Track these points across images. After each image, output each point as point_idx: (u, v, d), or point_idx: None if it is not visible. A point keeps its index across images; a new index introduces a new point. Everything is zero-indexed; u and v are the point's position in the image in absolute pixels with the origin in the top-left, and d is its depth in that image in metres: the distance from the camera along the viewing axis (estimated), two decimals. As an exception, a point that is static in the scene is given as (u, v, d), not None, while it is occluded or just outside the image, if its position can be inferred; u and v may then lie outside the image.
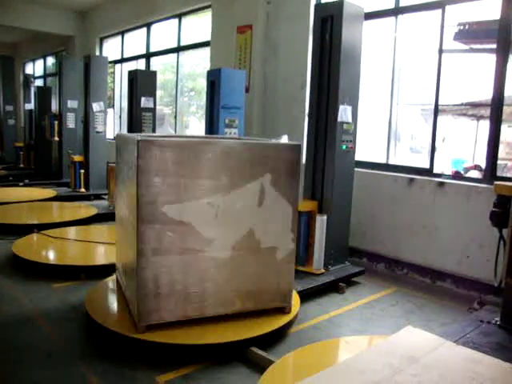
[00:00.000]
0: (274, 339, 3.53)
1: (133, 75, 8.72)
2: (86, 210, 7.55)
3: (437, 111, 5.26)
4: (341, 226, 5.08)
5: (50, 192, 9.00)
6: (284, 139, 4.40)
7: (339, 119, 4.82)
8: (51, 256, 5.39)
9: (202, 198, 3.34)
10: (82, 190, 9.36)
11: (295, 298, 4.07)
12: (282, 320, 3.66)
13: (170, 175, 3.23)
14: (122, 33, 11.74)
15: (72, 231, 6.28)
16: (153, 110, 8.82)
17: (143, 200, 3.18)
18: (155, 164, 3.18)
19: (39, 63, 16.78)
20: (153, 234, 3.22)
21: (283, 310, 3.77)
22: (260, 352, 3.25)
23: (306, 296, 4.37)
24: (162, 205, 3.23)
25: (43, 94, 12.55)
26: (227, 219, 3.45)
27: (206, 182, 3.35)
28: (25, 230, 6.07)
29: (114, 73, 12.25)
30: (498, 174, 4.93)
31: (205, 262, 3.41)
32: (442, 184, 5.07)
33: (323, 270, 4.85)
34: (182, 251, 3.33)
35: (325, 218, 4.80)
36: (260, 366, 3.13)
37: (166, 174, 3.22)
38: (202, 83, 9.24)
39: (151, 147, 3.17)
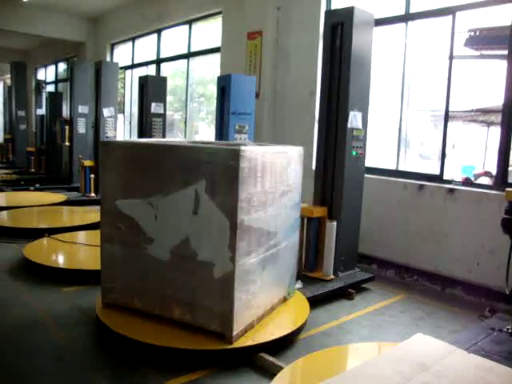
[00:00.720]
0: (283, 345, 3.52)
1: (143, 81, 8.78)
2: (96, 214, 7.52)
3: (447, 117, 5.25)
4: (350, 232, 5.07)
5: (60, 196, 9.07)
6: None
7: (349, 125, 4.82)
8: (61, 260, 5.42)
9: (144, 197, 3.53)
10: (92, 194, 9.41)
11: (305, 304, 4.07)
12: (292, 326, 3.66)
13: (120, 173, 3.65)
14: (133, 39, 11.84)
15: (82, 235, 6.31)
16: (163, 116, 8.87)
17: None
18: (110, 163, 3.66)
19: (51, 69, 16.95)
20: (108, 225, 3.68)
21: (223, 337, 3.29)
22: (269, 358, 3.24)
23: (316, 302, 4.36)
24: (115, 200, 3.62)
25: (54, 100, 12.67)
26: (165, 222, 3.49)
27: (148, 183, 3.55)
28: (35, 234, 6.12)
29: (124, 78, 12.34)
30: (510, 180, 4.89)
31: (146, 259, 3.56)
32: (452, 190, 5.04)
33: (333, 276, 4.84)
34: (128, 243, 3.63)
35: (334, 223, 4.80)
36: (269, 372, 3.12)
37: (118, 173, 3.66)
38: (212, 89, 9.27)
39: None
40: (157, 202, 3.47)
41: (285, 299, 4.07)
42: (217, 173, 3.24)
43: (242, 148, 3.20)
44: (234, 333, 3.28)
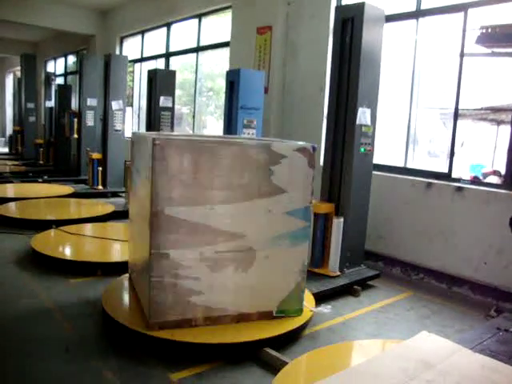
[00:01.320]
0: (288, 340, 3.52)
1: (152, 74, 8.79)
2: (104, 207, 7.63)
3: (456, 115, 5.21)
4: (357, 229, 5.05)
5: (68, 189, 9.12)
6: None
7: (358, 122, 4.80)
8: (68, 252, 5.45)
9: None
10: (100, 187, 9.46)
11: (310, 300, 4.07)
12: (296, 322, 3.66)
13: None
14: (142, 32, 11.83)
15: (89, 228, 6.34)
16: (171, 110, 8.88)
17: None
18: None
19: (60, 61, 16.99)
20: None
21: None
22: (274, 353, 3.25)
23: (321, 298, 4.35)
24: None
25: (64, 92, 12.71)
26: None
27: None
28: (43, 225, 6.16)
29: (133, 72, 12.35)
30: (519, 179, 4.86)
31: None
32: (460, 189, 5.01)
33: (339, 273, 4.84)
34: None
35: (341, 220, 4.79)
36: (273, 367, 3.13)
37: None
38: (221, 83, 9.27)
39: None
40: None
41: (272, 315, 3.65)
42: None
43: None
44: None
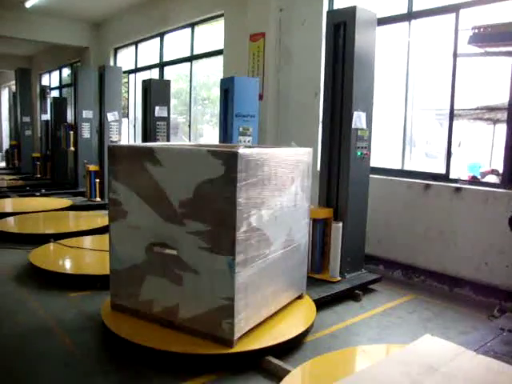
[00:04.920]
0: (291, 348, 3.49)
1: (146, 85, 8.80)
2: (102, 219, 7.59)
3: (452, 116, 5.21)
4: (356, 233, 5.03)
5: (65, 201, 9.09)
6: (293, 146, 4.47)
7: (354, 126, 4.79)
8: (67, 265, 5.42)
9: (270, 204, 3.52)
10: (98, 199, 9.43)
11: (311, 307, 4.04)
12: (299, 328, 3.63)
13: (253, 185, 3.32)
14: (136, 43, 11.86)
15: (88, 240, 6.31)
16: (167, 119, 8.88)
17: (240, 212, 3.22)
18: (245, 176, 3.22)
19: (55, 74, 17.02)
20: (244, 245, 3.27)
21: (301, 297, 4.18)
22: (276, 361, 3.22)
23: (323, 304, 4.33)
24: (249, 217, 3.29)
25: (59, 105, 12.71)
26: (281, 221, 3.69)
27: (273, 189, 3.54)
28: (41, 239, 6.12)
29: (128, 82, 12.37)
30: (517, 178, 4.84)
31: (268, 266, 3.58)
32: (458, 189, 5.00)
33: (339, 278, 4.81)
34: (255, 257, 3.42)
35: (340, 225, 4.77)
36: (276, 376, 3.09)
37: (252, 185, 3.30)
38: (216, 92, 9.27)
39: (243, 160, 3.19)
40: (277, 205, 3.62)
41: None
42: (304, 169, 3.98)
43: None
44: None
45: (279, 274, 3.77)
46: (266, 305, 3.63)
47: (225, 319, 3.23)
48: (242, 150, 3.18)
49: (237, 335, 3.25)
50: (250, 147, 3.96)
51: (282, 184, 3.66)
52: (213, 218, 3.23)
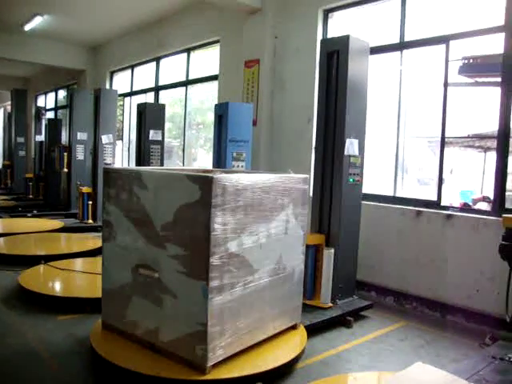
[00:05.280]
0: (281, 374, 3.46)
1: (142, 108, 8.86)
2: (93, 241, 7.55)
3: (443, 143, 5.28)
4: (348, 260, 5.04)
5: (57, 223, 9.03)
6: (291, 173, 4.44)
7: (346, 152, 4.84)
8: (57, 288, 5.37)
9: (253, 230, 3.47)
10: (90, 221, 9.39)
11: (302, 333, 4.02)
12: (289, 355, 3.60)
13: (232, 210, 3.28)
14: (132, 67, 11.99)
15: (79, 263, 6.27)
16: (161, 143, 8.93)
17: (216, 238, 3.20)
18: (222, 201, 3.19)
19: (51, 96, 17.11)
20: (220, 271, 3.23)
21: (295, 328, 4.06)
22: (265, 389, 3.19)
23: (314, 330, 4.30)
24: (227, 242, 3.27)
25: (54, 126, 12.76)
26: (267, 248, 3.63)
27: (256, 215, 3.50)
28: (32, 261, 6.06)
29: (123, 105, 12.45)
30: (507, 205, 4.89)
31: (251, 292, 3.51)
32: (450, 216, 5.04)
33: (331, 304, 4.79)
34: (235, 284, 3.38)
35: (332, 251, 4.77)
36: (266, 404, 3.06)
37: (230, 210, 3.27)
38: (210, 117, 9.35)
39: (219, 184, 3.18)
40: (261, 231, 3.57)
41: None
42: (298, 196, 3.93)
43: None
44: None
45: (266, 301, 3.68)
46: (250, 333, 3.53)
47: (198, 345, 3.18)
48: (217, 175, 3.18)
49: (211, 362, 3.18)
50: (241, 172, 4.00)
51: (268, 210, 3.61)
52: (190, 243, 3.24)
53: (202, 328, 3.16)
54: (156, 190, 3.47)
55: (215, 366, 3.23)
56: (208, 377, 3.14)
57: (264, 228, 3.59)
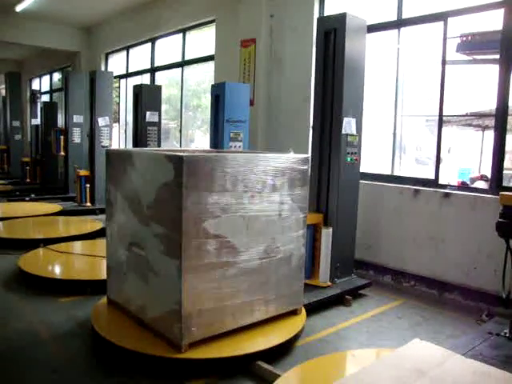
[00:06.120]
0: (281, 352, 3.50)
1: (138, 90, 8.80)
2: (92, 224, 7.57)
3: (441, 122, 5.26)
4: (346, 239, 5.06)
5: (55, 207, 9.04)
6: (291, 153, 4.39)
7: (343, 131, 4.83)
8: (57, 271, 5.39)
9: (235, 211, 3.40)
10: (88, 204, 9.40)
11: (302, 311, 4.05)
12: (289, 333, 3.64)
13: (208, 191, 3.24)
14: (127, 48, 11.86)
15: (78, 245, 6.29)
16: (158, 125, 8.89)
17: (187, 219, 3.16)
18: (196, 180, 3.17)
19: (45, 79, 16.96)
20: (194, 251, 3.21)
21: (295, 313, 3.97)
22: (266, 366, 3.23)
23: (313, 309, 4.34)
24: (202, 221, 3.22)
25: (49, 110, 12.68)
26: (255, 230, 3.56)
27: (238, 195, 3.42)
28: (31, 244, 6.09)
29: (119, 87, 12.36)
30: (505, 184, 4.91)
31: (238, 274, 3.48)
32: (447, 195, 5.05)
33: (329, 283, 4.83)
34: (216, 265, 3.35)
35: (330, 230, 4.79)
36: (266, 381, 3.10)
37: (205, 190, 3.22)
38: (206, 99, 9.30)
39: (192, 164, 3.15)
40: (248, 212, 3.49)
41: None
42: (295, 177, 3.80)
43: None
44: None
45: (255, 285, 3.61)
46: (235, 316, 3.50)
47: (176, 323, 3.22)
48: (187, 154, 3.17)
49: (187, 341, 3.20)
50: (234, 152, 3.99)
51: (256, 191, 3.52)
52: (168, 222, 3.26)
53: (177, 307, 3.19)
54: (143, 170, 3.55)
55: (195, 345, 3.26)
56: (182, 355, 3.18)
57: (250, 209, 3.50)
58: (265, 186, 3.59)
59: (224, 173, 3.31)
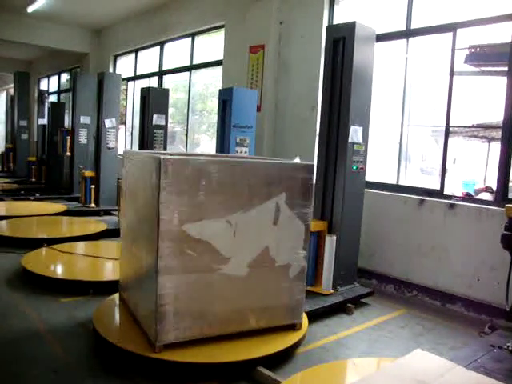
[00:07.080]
0: (282, 359, 3.49)
1: (145, 92, 8.83)
2: (96, 225, 7.58)
3: (447, 133, 5.26)
4: (350, 247, 5.05)
5: (60, 206, 9.06)
6: (297, 160, 4.37)
7: (350, 140, 4.83)
8: (60, 270, 5.40)
9: (221, 216, 3.35)
10: (92, 205, 9.42)
11: (303, 319, 4.04)
12: (290, 340, 3.62)
13: (190, 193, 3.22)
14: (136, 51, 11.93)
15: (81, 246, 6.29)
16: (164, 128, 8.90)
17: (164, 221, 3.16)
18: (176, 183, 3.17)
19: (54, 79, 17.06)
20: (172, 252, 3.22)
21: (294, 327, 3.78)
22: (267, 372, 3.22)
23: (315, 316, 4.33)
24: (181, 224, 3.21)
25: (57, 110, 12.73)
26: (244, 237, 3.46)
27: (225, 200, 3.36)
28: (35, 243, 6.10)
29: (126, 90, 12.41)
30: (510, 196, 4.89)
31: (220, 280, 3.41)
32: (452, 206, 5.04)
33: (332, 291, 4.82)
34: (197, 270, 3.33)
35: (334, 238, 4.78)
36: (266, 387, 3.10)
37: (187, 193, 3.21)
38: (214, 103, 9.32)
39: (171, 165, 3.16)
40: (235, 219, 3.39)
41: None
42: (294, 185, 3.64)
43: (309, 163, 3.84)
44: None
45: (244, 293, 3.52)
46: (220, 322, 3.43)
47: (154, 324, 3.23)
48: (165, 156, 3.17)
49: (161, 342, 3.19)
50: (236, 158, 4.02)
51: (246, 197, 3.42)
52: (150, 222, 3.31)
53: (154, 307, 3.21)
54: (140, 170, 3.69)
55: (173, 348, 3.24)
56: (155, 355, 3.18)
57: (238, 215, 3.39)
58: (256, 192, 3.47)
59: (209, 177, 3.26)
